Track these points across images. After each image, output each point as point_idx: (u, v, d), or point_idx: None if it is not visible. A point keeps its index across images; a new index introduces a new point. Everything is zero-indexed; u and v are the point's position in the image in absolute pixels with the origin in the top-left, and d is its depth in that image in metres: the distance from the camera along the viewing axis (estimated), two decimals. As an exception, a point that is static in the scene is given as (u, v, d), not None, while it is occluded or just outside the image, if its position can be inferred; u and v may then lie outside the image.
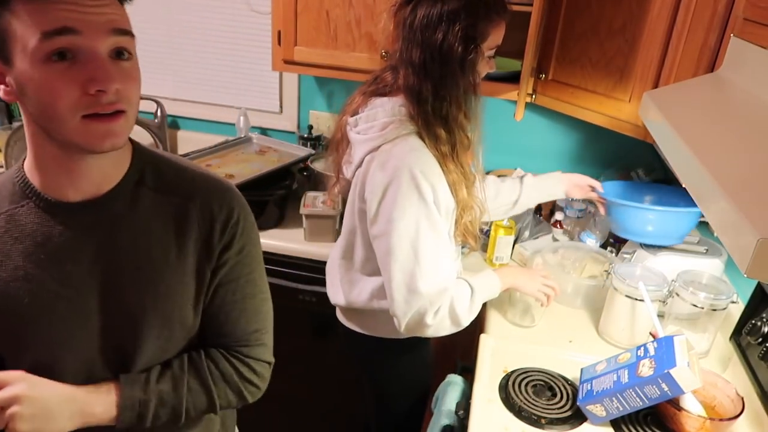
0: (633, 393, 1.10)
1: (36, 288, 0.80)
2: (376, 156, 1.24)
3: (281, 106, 2.34)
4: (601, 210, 1.62)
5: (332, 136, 1.44)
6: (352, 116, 1.34)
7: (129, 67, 0.73)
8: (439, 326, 1.26)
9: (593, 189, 1.60)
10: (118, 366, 0.85)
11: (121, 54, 0.72)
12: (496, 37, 1.24)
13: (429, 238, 1.21)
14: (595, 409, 1.15)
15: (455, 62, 1.17)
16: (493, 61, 1.29)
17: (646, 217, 1.50)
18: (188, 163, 0.91)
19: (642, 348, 1.16)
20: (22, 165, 0.82)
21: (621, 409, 1.12)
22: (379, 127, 1.26)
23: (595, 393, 1.15)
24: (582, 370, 1.26)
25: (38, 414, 0.77)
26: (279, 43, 1.85)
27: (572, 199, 1.75)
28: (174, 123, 2.43)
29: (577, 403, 1.19)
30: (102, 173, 0.80)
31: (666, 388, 1.06)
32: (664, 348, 1.11)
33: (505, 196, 1.60)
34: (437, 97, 1.20)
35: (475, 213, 1.32)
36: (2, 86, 0.73)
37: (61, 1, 0.67)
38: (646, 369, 1.10)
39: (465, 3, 1.16)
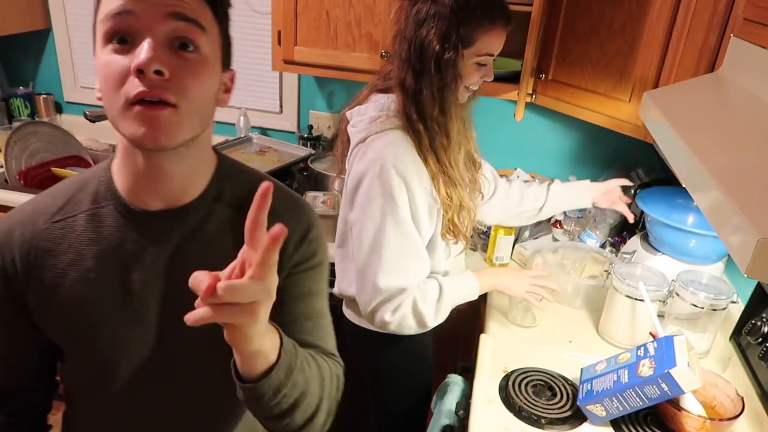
0: (633, 393, 1.10)
1: (102, 292, 0.79)
2: (361, 147, 1.28)
3: (281, 106, 2.34)
4: (630, 218, 1.62)
5: (336, 131, 1.47)
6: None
7: (192, 60, 0.69)
8: (402, 324, 1.27)
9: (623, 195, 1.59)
10: (168, 376, 0.84)
11: (185, 45, 0.68)
12: (487, 44, 1.23)
13: (392, 235, 1.22)
14: (595, 409, 1.15)
15: (430, 59, 1.19)
16: (485, 69, 1.27)
17: (688, 238, 1.47)
18: (265, 177, 0.88)
19: (642, 348, 1.16)
20: (110, 164, 0.81)
21: (621, 409, 1.12)
22: (367, 120, 1.29)
23: (595, 393, 1.15)
24: (582, 370, 1.26)
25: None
26: (279, 43, 1.85)
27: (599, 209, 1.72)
28: (174, 123, 2.42)
29: (577, 403, 1.19)
30: (181, 183, 0.78)
31: (666, 388, 1.06)
32: (664, 348, 1.11)
33: (530, 202, 1.60)
34: (416, 90, 1.22)
35: (463, 212, 1.32)
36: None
37: None
38: (646, 369, 1.10)
39: (454, 5, 1.17)
